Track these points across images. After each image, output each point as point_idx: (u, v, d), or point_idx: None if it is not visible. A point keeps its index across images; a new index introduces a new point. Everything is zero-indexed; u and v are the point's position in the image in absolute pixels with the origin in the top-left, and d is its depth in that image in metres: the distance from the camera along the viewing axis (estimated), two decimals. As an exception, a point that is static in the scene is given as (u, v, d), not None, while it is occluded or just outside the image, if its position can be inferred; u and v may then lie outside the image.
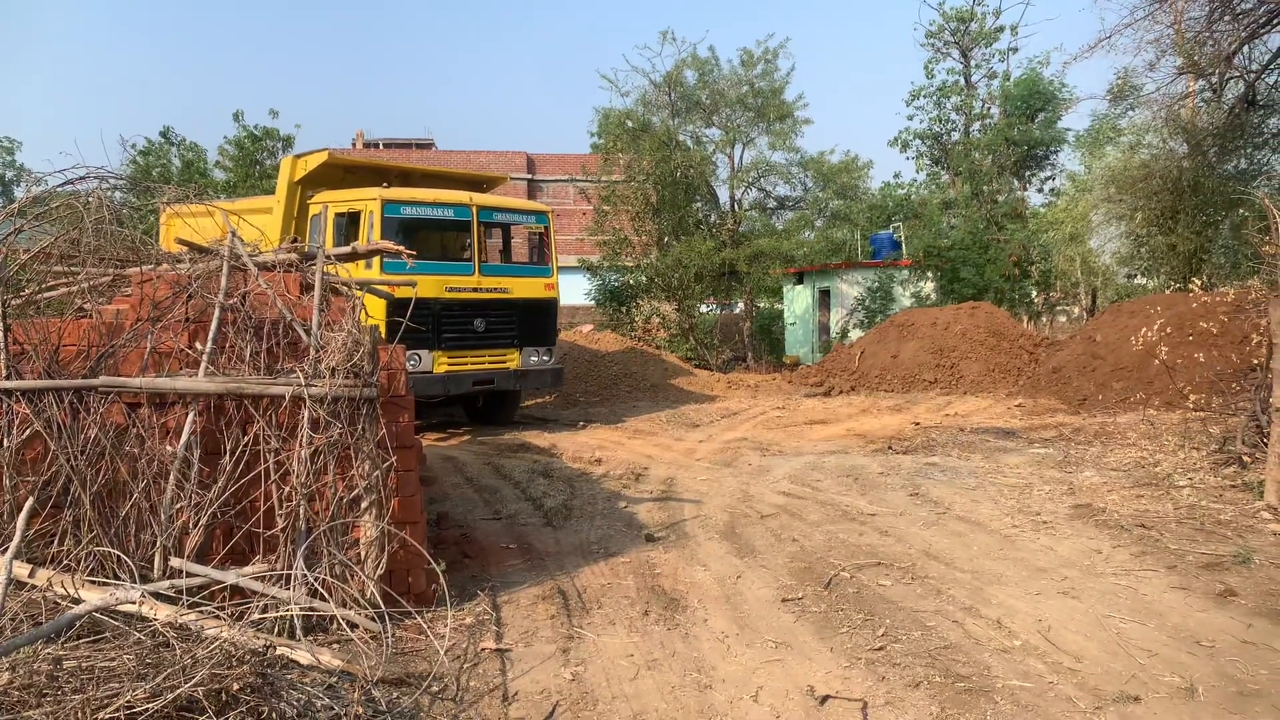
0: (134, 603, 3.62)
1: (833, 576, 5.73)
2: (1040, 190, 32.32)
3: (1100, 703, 3.86)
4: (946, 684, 4.10)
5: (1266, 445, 7.25)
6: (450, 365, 11.74)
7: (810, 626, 4.90)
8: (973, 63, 31.49)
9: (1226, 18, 14.93)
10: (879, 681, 4.16)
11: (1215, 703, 3.82)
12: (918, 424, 12.86)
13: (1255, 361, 9.21)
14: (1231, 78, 17.22)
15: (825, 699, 3.99)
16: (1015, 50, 31.26)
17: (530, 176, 48.89)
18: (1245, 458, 7.98)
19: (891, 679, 4.18)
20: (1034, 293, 26.91)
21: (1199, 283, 13.74)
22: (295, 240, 5.47)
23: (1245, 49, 15.98)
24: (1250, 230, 10.65)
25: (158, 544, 4.42)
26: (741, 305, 27.34)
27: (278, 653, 3.71)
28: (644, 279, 23.51)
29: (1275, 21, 15.06)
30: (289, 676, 3.86)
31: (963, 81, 31.62)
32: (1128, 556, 5.98)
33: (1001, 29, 30.65)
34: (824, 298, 26.13)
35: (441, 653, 4.39)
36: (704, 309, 26.43)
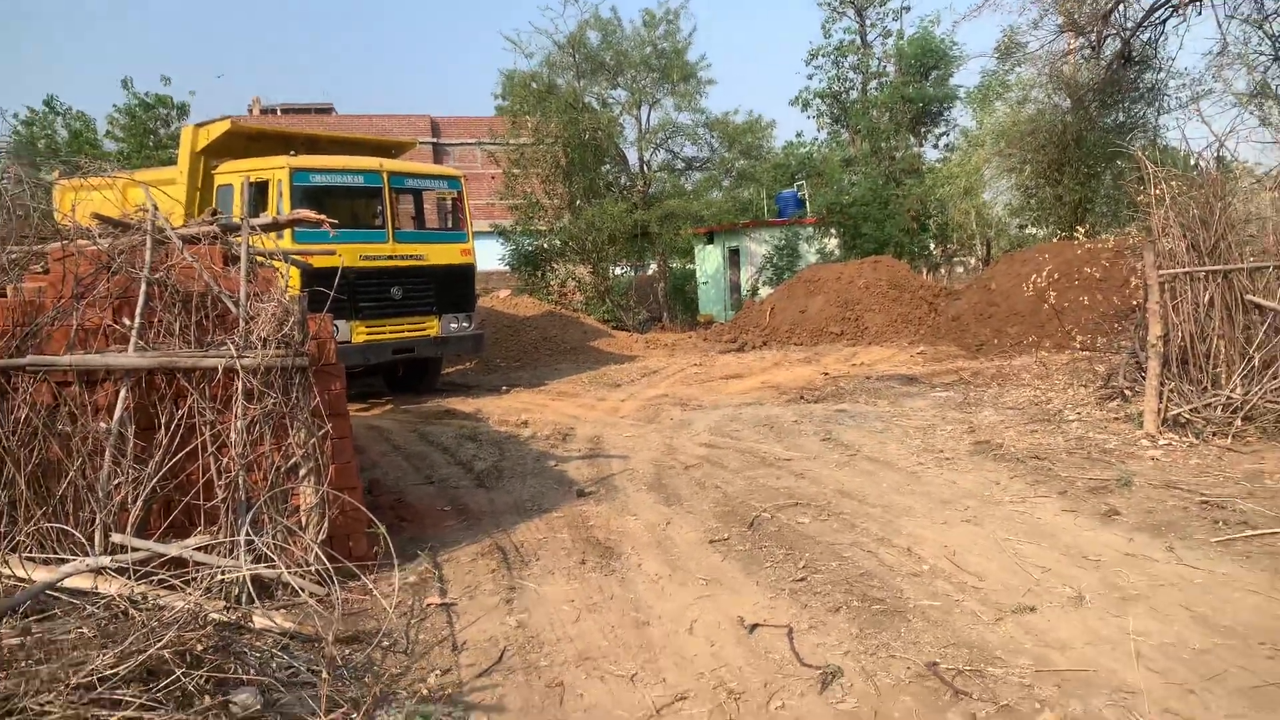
0: (102, 570, 3.68)
1: (755, 517, 6.07)
2: (935, 146, 33.30)
3: (1001, 614, 4.26)
4: (864, 607, 4.46)
5: (1145, 380, 7.87)
6: (369, 335, 11.69)
7: (737, 564, 5.22)
8: (868, 22, 32.11)
9: (1104, -24, 15.67)
10: (802, 609, 4.49)
11: (1101, 608, 4.27)
12: (827, 374, 13.37)
13: (1135, 303, 9.91)
14: (1109, 35, 18.07)
15: (754, 627, 4.30)
16: (908, 9, 32.02)
17: (436, 140, 47.97)
18: (1127, 392, 8.63)
19: (814, 606, 4.52)
20: (932, 245, 27.90)
21: (1083, 231, 14.53)
22: (216, 212, 5.45)
23: (1121, 8, 16.80)
24: (1128, 181, 11.35)
25: (97, 520, 4.45)
26: (655, 266, 27.62)
27: (239, 615, 3.82)
28: (558, 243, 23.55)
29: (1149, -20, 15.89)
30: (242, 639, 3.98)
31: (859, 41, 32.24)
32: (1023, 486, 6.49)
33: (894, -13, 31.31)
34: (734, 257, 26.61)
35: (389, 609, 4.55)
36: (618, 271, 26.62)
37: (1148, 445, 7.29)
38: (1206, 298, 7.64)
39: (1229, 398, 7.38)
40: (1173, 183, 8.10)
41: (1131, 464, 6.85)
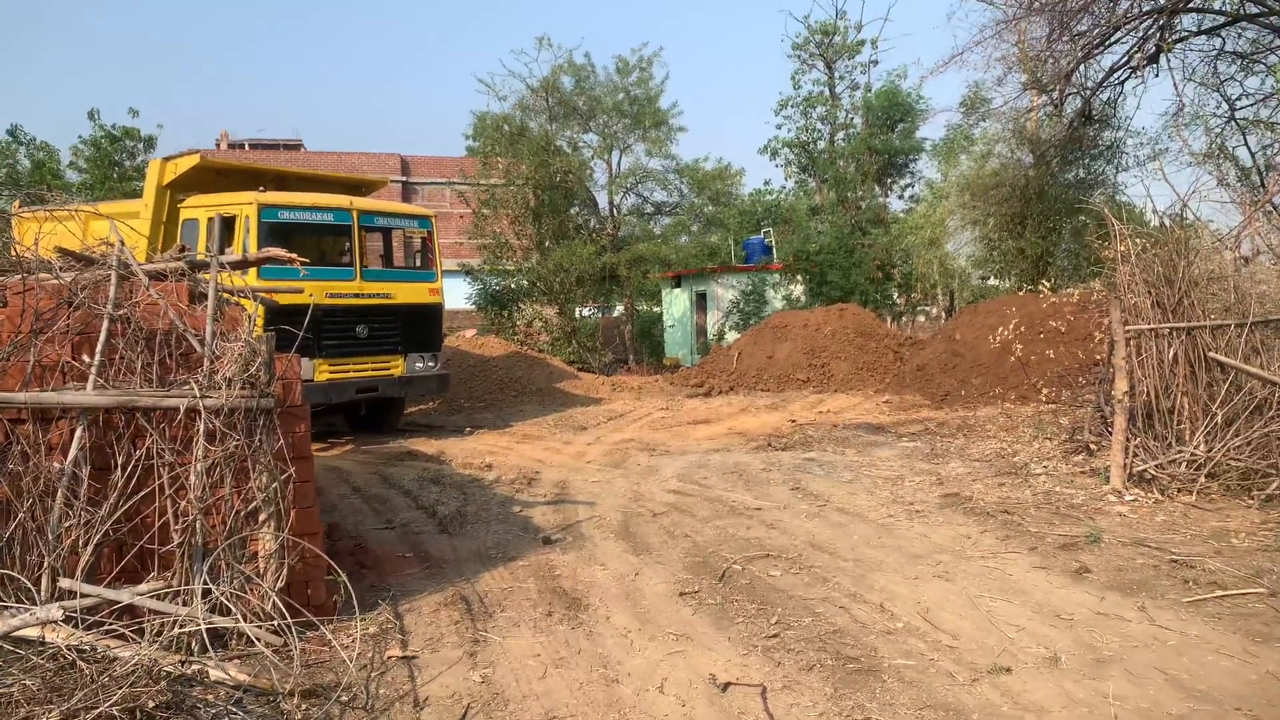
0: (53, 623, 3.50)
1: (725, 569, 5.98)
2: (901, 197, 33.90)
3: (977, 675, 4.21)
4: (838, 666, 4.38)
5: (1110, 434, 7.93)
6: (333, 373, 11.51)
7: (708, 618, 5.12)
8: (836, 74, 32.75)
9: (1065, 38, 16.11)
10: (775, 667, 4.40)
11: (1076, 669, 4.23)
12: (794, 421, 13.38)
13: (1099, 357, 10.05)
14: (1070, 94, 18.58)
15: (727, 686, 4.20)
16: (876, 63, 32.58)
17: (405, 179, 47.97)
18: (1092, 445, 8.71)
19: (787, 664, 4.43)
20: (896, 294, 28.25)
21: (1048, 285, 14.80)
22: (184, 249, 5.33)
23: (1082, 68, 17.29)
24: (1090, 236, 11.57)
25: (45, 564, 4.26)
26: (622, 308, 27.65)
27: (194, 669, 3.65)
28: (525, 283, 23.52)
29: (1108, 43, 16.38)
30: (194, 694, 3.81)
31: (827, 92, 32.85)
32: (994, 540, 6.48)
33: (863, 43, 32.01)
34: (701, 301, 26.73)
35: (350, 662, 4.40)
36: (585, 312, 26.62)
37: (1114, 501, 7.33)
38: (1171, 354, 7.75)
39: (1193, 454, 7.46)
40: (1137, 240, 8.25)
41: (1100, 520, 6.87)
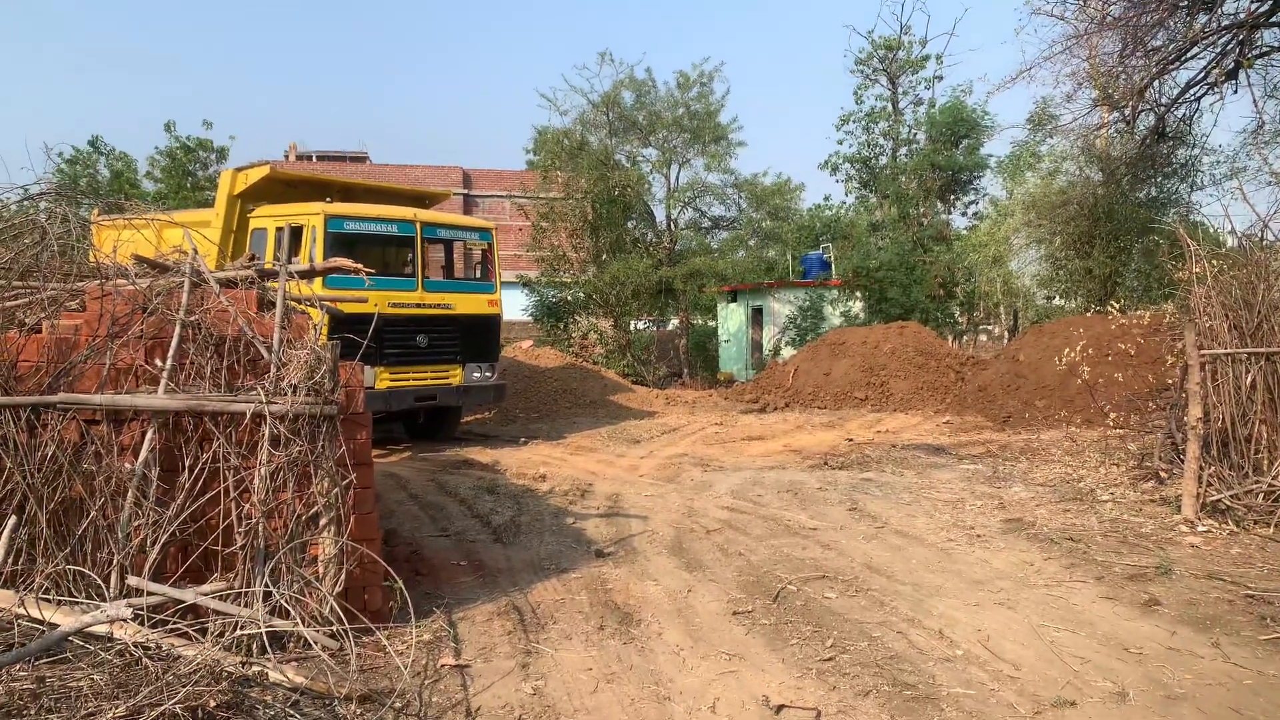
0: (122, 620, 3.60)
1: (780, 589, 5.90)
2: (964, 214, 33.37)
3: (1039, 708, 4.08)
4: (895, 692, 4.29)
5: (1182, 461, 7.68)
6: (393, 381, 11.68)
7: (761, 638, 5.06)
8: (900, 89, 32.41)
9: (1139, 54, 15.74)
10: (830, 691, 4.32)
11: (1145, 706, 4.08)
12: (851, 440, 13.20)
13: (1170, 381, 9.73)
14: (1143, 110, 18.13)
15: (780, 709, 4.14)
16: (940, 79, 32.11)
17: (467, 192, 48.69)
18: (1162, 473, 8.43)
19: (842, 688, 4.35)
20: (958, 313, 27.79)
21: (1117, 306, 14.41)
22: (254, 257, 5.45)
23: (1156, 83, 16.86)
24: (1163, 257, 11.26)
25: (115, 562, 4.37)
26: (677, 322, 27.65)
27: (254, 670, 3.71)
28: (582, 295, 23.66)
29: (1184, 58, 15.95)
30: (252, 694, 3.87)
31: (890, 108, 32.52)
32: (1058, 568, 6.30)
33: (927, 58, 31.66)
34: (757, 315, 26.59)
35: (404, 669, 4.43)
36: (640, 326, 26.67)
37: (1186, 531, 7.09)
38: (1249, 380, 7.48)
39: (1271, 485, 7.18)
40: (1213, 261, 7.99)
41: (1170, 550, 6.64)
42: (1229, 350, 7.58)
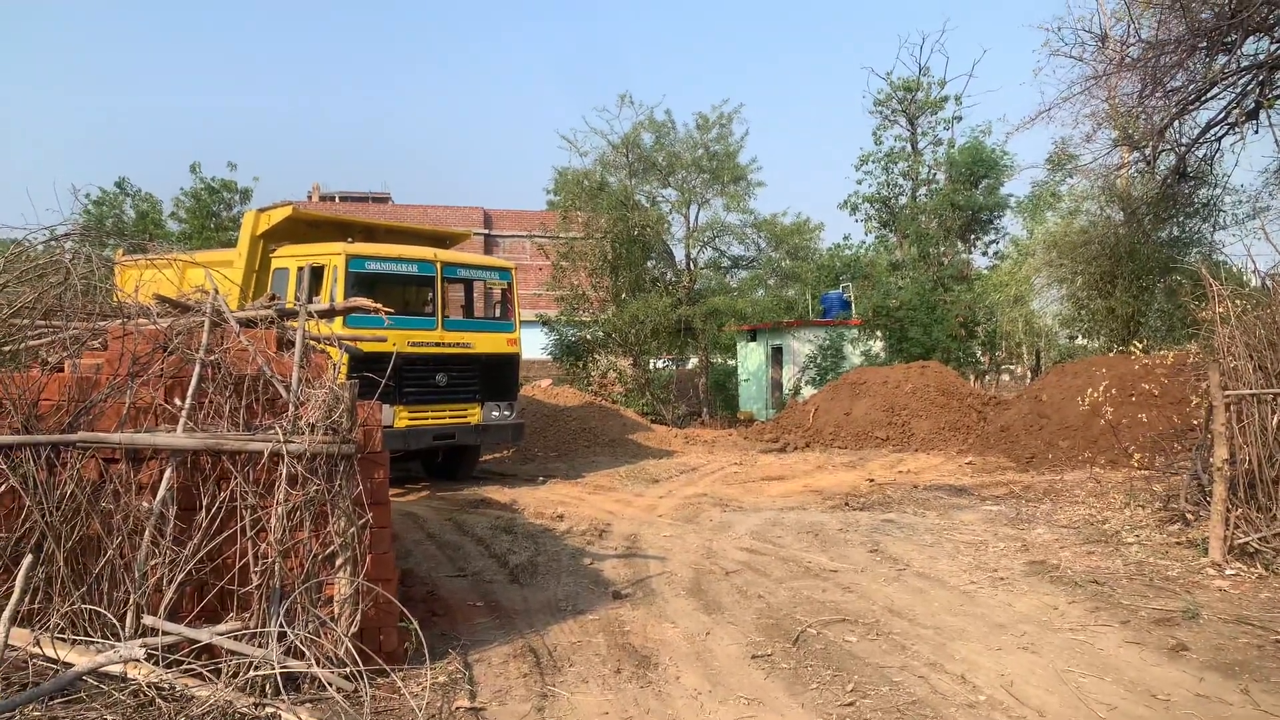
0: (135, 661, 3.59)
1: (800, 633, 5.82)
2: (985, 253, 33.26)
3: (1065, 755, 3.99)
4: (916, 738, 4.20)
5: (1209, 503, 7.54)
6: (411, 420, 11.71)
7: (781, 683, 4.98)
8: (919, 130, 32.49)
9: (1158, 94, 15.73)
10: (851, 737, 4.24)
11: (1173, 754, 3.98)
12: (872, 480, 13.07)
13: (1195, 422, 9.60)
14: (1163, 150, 18.08)
15: (800, 755, 4.06)
16: (959, 119, 32.16)
17: (488, 232, 49.11)
18: (1189, 515, 8.28)
19: (863, 734, 4.27)
20: (980, 352, 27.60)
21: (1140, 346, 14.25)
22: (274, 297, 5.51)
23: (1176, 124, 16.82)
24: (1185, 296, 11.16)
25: (130, 601, 4.37)
26: (696, 361, 27.62)
27: (267, 712, 3.68)
28: (601, 334, 23.70)
29: (1204, 98, 15.92)
30: (265, 736, 3.84)
31: (909, 148, 32.60)
32: (1083, 612, 6.17)
33: (946, 98, 31.76)
34: (776, 355, 26.52)
35: (419, 711, 4.38)
36: (660, 364, 26.66)
37: (1214, 574, 6.94)
38: (1275, 421, 7.36)
39: (1301, 528, 7.03)
40: (1237, 300, 7.91)
41: (1198, 594, 6.50)
42: (1255, 390, 7.48)
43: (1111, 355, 16.42)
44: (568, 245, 24.22)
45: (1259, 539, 7.13)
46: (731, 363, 29.94)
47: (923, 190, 32.30)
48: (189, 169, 32.44)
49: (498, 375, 12.80)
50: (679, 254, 25.77)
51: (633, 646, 5.60)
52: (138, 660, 3.71)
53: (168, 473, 4.55)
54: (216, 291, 5.07)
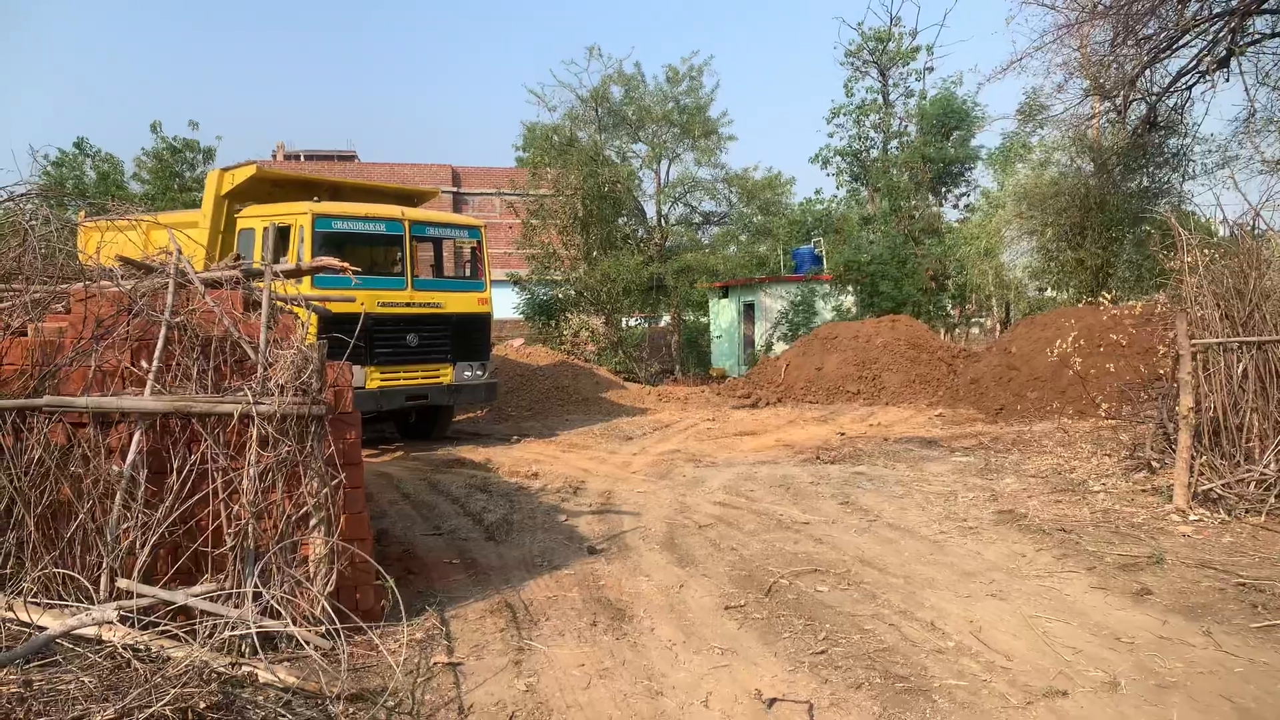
0: (109, 623, 3.58)
1: (772, 584, 5.90)
2: (955, 206, 33.47)
3: (1031, 698, 4.09)
4: (887, 685, 4.29)
5: (1174, 451, 7.70)
6: (384, 380, 11.65)
7: (754, 633, 5.05)
8: (890, 81, 32.45)
9: (1130, 42, 15.75)
10: (823, 684, 4.32)
11: (1137, 695, 4.09)
12: (843, 434, 13.21)
13: (1161, 371, 9.75)
14: (1134, 100, 18.15)
15: (773, 702, 4.13)
16: (931, 70, 32.13)
17: (456, 190, 48.51)
18: (1154, 463, 8.45)
19: (835, 681, 4.35)
20: (950, 305, 27.84)
21: (1109, 296, 14.42)
22: (239, 257, 5.42)
23: (1147, 73, 16.88)
24: (1154, 247, 11.28)
25: (104, 565, 4.35)
26: (668, 318, 27.64)
27: (243, 671, 3.69)
28: (573, 292, 23.63)
29: (1175, 46, 15.97)
30: (243, 695, 3.85)
31: (881, 100, 32.55)
32: (1050, 559, 6.31)
33: (918, 49, 31.69)
34: (748, 311, 26.60)
35: (396, 668, 4.41)
36: (632, 322, 26.67)
37: (1178, 520, 7.10)
38: (1240, 369, 7.50)
39: (1263, 474, 7.20)
40: (1205, 250, 8.00)
41: (1162, 540, 6.66)
42: (1221, 339, 7.60)
43: (1080, 306, 16.61)
44: (538, 203, 24.03)
45: (1222, 485, 7.30)
46: (704, 319, 30.02)
47: (894, 143, 32.34)
48: (150, 128, 31.80)
49: (469, 335, 12.74)
50: (650, 210, 25.70)
51: (608, 600, 5.66)
52: (112, 623, 3.69)
53: (136, 436, 4.51)
54: (180, 252, 4.98)
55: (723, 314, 28.01)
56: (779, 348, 23.68)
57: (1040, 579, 5.86)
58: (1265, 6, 14.61)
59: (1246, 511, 7.07)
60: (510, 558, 6.73)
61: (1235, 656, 4.49)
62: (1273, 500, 7.05)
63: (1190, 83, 16.74)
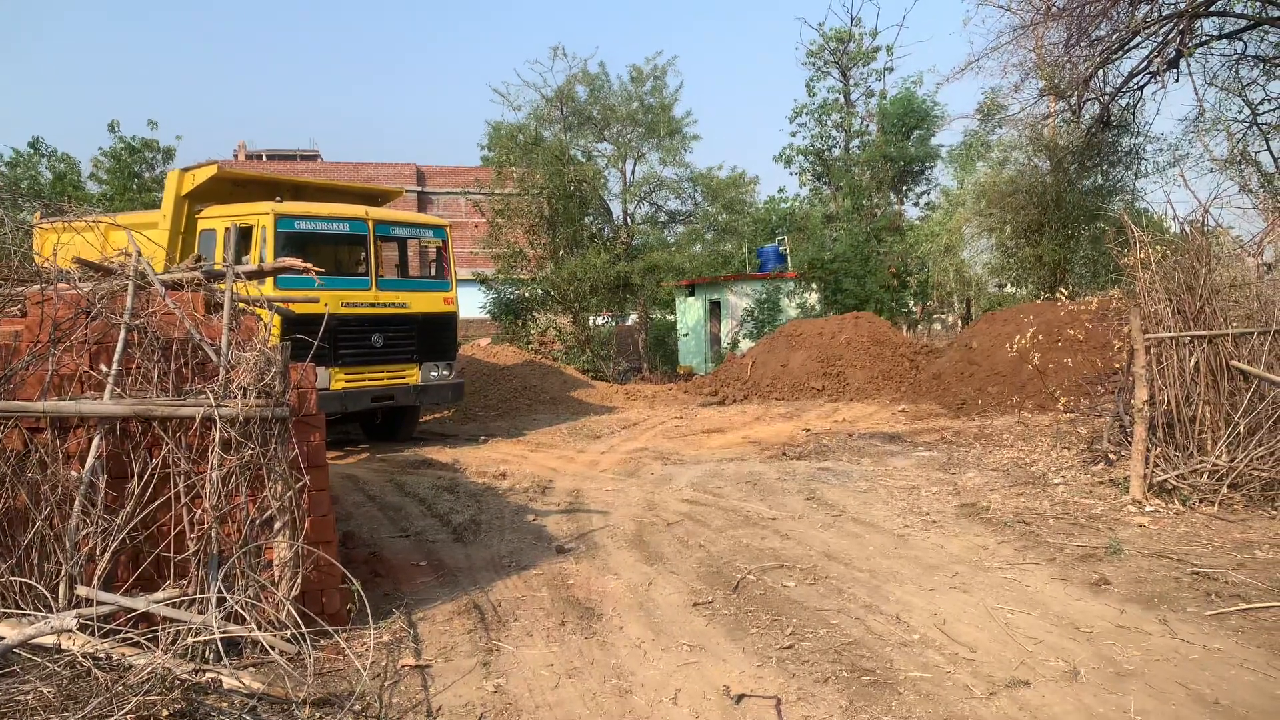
0: (68, 631, 3.52)
1: (740, 580, 5.95)
2: (916, 204, 33.75)
3: (994, 688, 4.16)
4: (853, 678, 4.34)
5: (1130, 444, 7.85)
6: (348, 381, 11.55)
7: (722, 629, 5.09)
8: (851, 81, 32.67)
9: (1083, 44, 16.02)
10: (790, 679, 4.37)
11: (1096, 683, 4.18)
12: (809, 430, 13.32)
13: (1117, 366, 9.95)
14: (1088, 100, 18.48)
15: (741, 698, 4.17)
16: (891, 70, 32.37)
17: (421, 189, 48.19)
18: (1111, 455, 8.62)
19: (802, 676, 4.39)
20: (912, 302, 28.11)
21: (1066, 292, 14.67)
22: (200, 258, 5.36)
23: (1100, 73, 17.18)
24: (1109, 243, 11.50)
25: (63, 572, 4.28)
26: (635, 317, 27.66)
27: (207, 678, 3.65)
28: (539, 292, 23.56)
29: (1127, 48, 16.28)
30: (207, 701, 3.81)
31: (842, 99, 32.78)
32: (1012, 551, 6.42)
33: (878, 49, 31.93)
34: (715, 309, 26.70)
35: (363, 671, 4.39)
36: (599, 321, 26.66)
37: (1134, 511, 7.25)
38: (1192, 363, 7.67)
39: (1215, 465, 7.37)
40: (1157, 246, 8.17)
41: (1120, 531, 6.80)
42: (1173, 333, 7.77)
43: (1039, 302, 16.86)
44: (503, 202, 23.92)
45: (1177, 476, 7.46)
46: (670, 318, 30.08)
47: (855, 142, 32.60)
48: (107, 128, 31.21)
49: (435, 335, 12.66)
50: (616, 209, 25.68)
51: (576, 599, 5.66)
52: (71, 631, 3.64)
53: (96, 440, 4.44)
54: (139, 253, 4.91)
55: (689, 312, 28.09)
56: (745, 345, 23.80)
57: (1002, 571, 5.96)
58: (1212, 9, 14.95)
59: (1200, 502, 7.24)
60: (478, 558, 6.71)
61: (1190, 644, 4.60)
62: (1225, 490, 7.23)
63: (1142, 83, 17.09)
